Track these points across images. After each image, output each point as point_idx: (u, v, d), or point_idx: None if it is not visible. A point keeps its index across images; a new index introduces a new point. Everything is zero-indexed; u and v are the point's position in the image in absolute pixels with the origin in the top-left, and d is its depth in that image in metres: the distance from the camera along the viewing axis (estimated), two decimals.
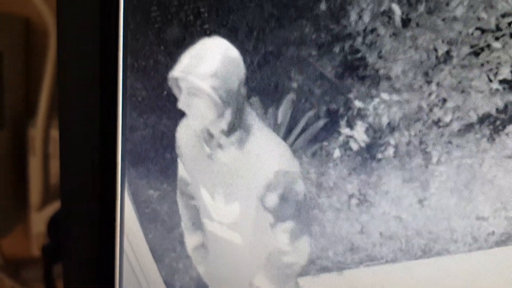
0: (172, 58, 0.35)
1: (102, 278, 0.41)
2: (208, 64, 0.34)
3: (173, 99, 0.36)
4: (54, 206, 0.65)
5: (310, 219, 0.37)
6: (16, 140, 0.65)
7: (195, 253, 0.40)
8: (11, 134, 0.64)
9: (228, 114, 0.35)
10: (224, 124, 0.35)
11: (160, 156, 0.38)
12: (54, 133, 0.64)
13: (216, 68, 0.34)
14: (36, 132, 0.64)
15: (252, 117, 0.35)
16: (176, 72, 0.35)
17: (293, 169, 0.36)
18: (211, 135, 0.36)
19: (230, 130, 0.35)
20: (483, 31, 0.32)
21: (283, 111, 0.36)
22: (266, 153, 0.36)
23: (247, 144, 0.36)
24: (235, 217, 0.37)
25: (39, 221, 0.66)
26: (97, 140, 0.38)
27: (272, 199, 0.37)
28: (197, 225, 0.40)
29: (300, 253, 0.38)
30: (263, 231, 0.38)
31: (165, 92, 0.37)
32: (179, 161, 0.38)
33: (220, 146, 0.36)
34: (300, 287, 0.39)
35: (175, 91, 0.35)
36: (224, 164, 0.37)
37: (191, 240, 0.40)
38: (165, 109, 0.37)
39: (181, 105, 0.35)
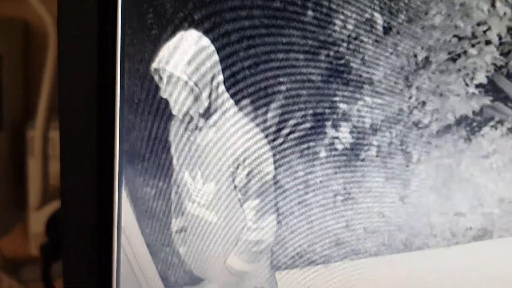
0: None
1: (101, 272, 0.43)
2: (182, 53, 0.36)
3: (167, 100, 0.38)
4: (53, 206, 0.66)
5: (274, 199, 0.39)
6: (15, 141, 0.66)
7: (177, 236, 0.42)
8: (10, 135, 0.65)
9: (205, 98, 0.37)
10: (201, 108, 0.37)
11: (156, 155, 0.40)
12: (53, 135, 0.64)
13: (189, 56, 0.36)
14: (35, 134, 0.64)
15: (229, 103, 0.37)
16: (156, 63, 0.37)
17: (260, 148, 0.37)
18: (191, 118, 0.38)
19: (207, 113, 0.37)
20: (460, 38, 0.34)
21: (273, 113, 0.37)
22: (237, 133, 0.38)
23: (221, 126, 0.38)
24: (211, 196, 0.39)
25: (37, 221, 0.67)
26: (95, 141, 0.39)
27: (240, 177, 0.39)
28: (180, 210, 0.41)
29: (266, 231, 0.40)
30: (235, 209, 0.40)
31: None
32: (172, 152, 0.40)
33: (198, 128, 0.38)
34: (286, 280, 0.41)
35: (158, 81, 0.37)
36: (201, 146, 0.39)
37: (174, 225, 0.42)
38: (161, 111, 0.39)
39: (163, 93, 0.37)
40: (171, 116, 0.39)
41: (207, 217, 0.41)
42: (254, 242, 0.40)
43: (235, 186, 0.39)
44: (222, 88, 0.37)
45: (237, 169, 0.39)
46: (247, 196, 0.39)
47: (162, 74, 0.37)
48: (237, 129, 0.38)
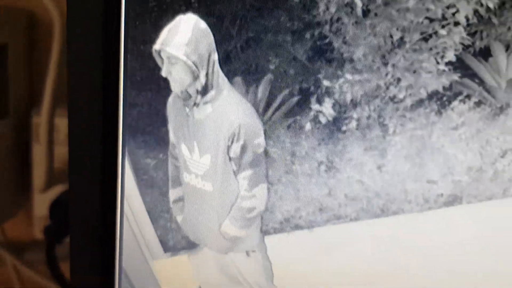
0: None
1: (105, 237, 0.46)
2: (181, 36, 0.39)
3: (166, 78, 0.41)
4: (56, 190, 0.68)
5: (265, 169, 0.42)
6: (20, 127, 0.67)
7: (174, 205, 0.45)
8: (15, 121, 0.67)
9: (202, 77, 0.40)
10: (199, 85, 0.40)
11: (156, 129, 0.43)
12: (58, 121, 0.66)
13: (188, 38, 0.39)
14: (40, 120, 0.66)
15: (224, 81, 0.40)
16: (157, 45, 0.40)
17: (253, 123, 0.41)
18: (189, 95, 0.41)
19: (204, 90, 0.41)
20: (431, 20, 0.37)
21: (262, 89, 0.41)
22: (232, 109, 0.41)
23: (217, 102, 0.41)
24: (207, 167, 0.43)
25: (41, 204, 0.69)
26: (101, 115, 0.43)
27: (235, 150, 0.42)
28: (178, 181, 0.45)
29: (258, 199, 0.43)
30: (229, 179, 0.43)
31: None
32: (169, 127, 0.43)
33: (196, 104, 0.41)
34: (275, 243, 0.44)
35: (159, 61, 0.40)
36: (198, 120, 0.42)
37: (172, 195, 0.45)
38: (161, 87, 0.42)
39: (164, 73, 0.41)
40: (169, 93, 0.42)
41: (203, 187, 0.44)
42: (247, 209, 0.44)
43: (229, 158, 0.43)
44: (217, 67, 0.40)
45: (232, 142, 0.42)
46: (241, 167, 0.43)
47: (163, 55, 0.41)
48: (232, 105, 0.41)
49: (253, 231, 0.44)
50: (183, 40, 0.39)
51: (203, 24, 0.39)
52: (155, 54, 0.40)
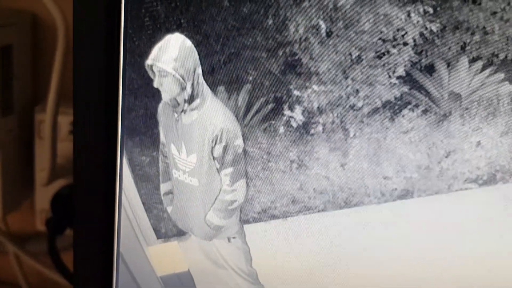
0: None
1: (104, 226, 0.53)
2: (170, 52, 0.45)
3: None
4: (58, 184, 0.70)
5: (244, 167, 0.47)
6: (24, 124, 0.69)
7: (165, 198, 0.51)
8: (19, 118, 0.68)
9: (189, 88, 0.46)
10: (186, 95, 0.46)
11: (150, 131, 0.49)
12: (60, 119, 0.67)
13: (176, 54, 0.45)
14: (45, 118, 0.67)
15: (207, 91, 0.46)
16: (149, 60, 0.46)
17: (233, 127, 0.46)
18: (177, 103, 0.47)
19: (191, 99, 0.46)
20: (384, 41, 0.43)
21: (242, 97, 0.46)
22: (215, 115, 0.47)
23: (202, 109, 0.47)
24: (193, 165, 0.48)
25: (43, 198, 0.70)
26: (102, 118, 0.49)
27: (218, 150, 0.47)
28: (167, 176, 0.50)
29: (238, 193, 0.49)
30: (213, 176, 0.48)
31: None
32: (160, 129, 0.49)
33: (183, 111, 0.47)
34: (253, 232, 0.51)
35: (151, 74, 0.46)
36: (186, 125, 0.47)
37: (162, 188, 0.51)
38: (154, 94, 0.47)
39: (155, 84, 0.46)
40: (161, 100, 0.49)
41: (190, 182, 0.50)
42: (229, 202, 0.50)
43: (213, 158, 0.49)
44: (201, 79, 0.46)
45: (215, 143, 0.47)
46: (223, 165, 0.48)
47: (154, 69, 0.46)
48: (215, 112, 0.47)
49: (234, 221, 0.50)
50: (172, 56, 0.45)
51: (188, 43, 0.45)
52: (147, 68, 0.46)
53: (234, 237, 0.51)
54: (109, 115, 0.48)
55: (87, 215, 0.51)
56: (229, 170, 0.48)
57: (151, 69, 0.46)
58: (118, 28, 0.46)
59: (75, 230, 0.52)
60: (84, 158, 0.49)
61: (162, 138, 0.49)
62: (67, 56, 0.64)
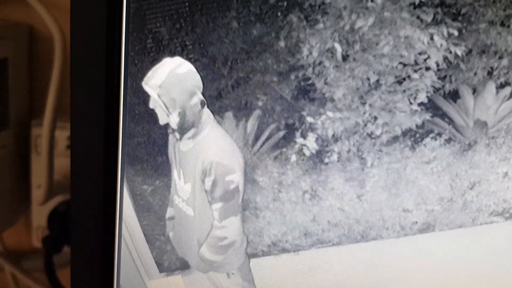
0: None
1: (104, 258, 0.51)
2: (157, 77, 0.44)
3: None
4: (55, 201, 0.69)
5: (239, 204, 0.47)
6: (20, 138, 0.69)
7: (168, 222, 0.50)
8: (15, 133, 0.68)
9: (175, 116, 0.45)
10: (173, 124, 0.45)
11: (153, 158, 0.48)
12: (58, 134, 0.67)
13: (161, 81, 0.44)
14: (42, 132, 0.66)
15: (208, 119, 0.45)
16: (143, 82, 0.45)
17: (226, 162, 0.46)
18: (173, 130, 0.46)
19: (181, 128, 0.46)
20: (404, 65, 0.42)
21: (251, 124, 0.45)
22: (209, 147, 0.46)
23: (198, 138, 0.46)
24: (189, 194, 0.47)
25: (40, 214, 0.70)
26: (102, 145, 0.47)
27: (207, 184, 0.46)
28: (171, 201, 0.49)
29: (229, 230, 0.48)
30: (205, 208, 0.47)
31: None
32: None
33: (180, 139, 0.46)
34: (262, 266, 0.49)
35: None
36: (183, 152, 0.47)
37: (168, 212, 0.50)
38: (156, 121, 0.47)
39: (150, 105, 0.46)
40: (165, 125, 0.47)
41: (186, 211, 0.49)
42: (219, 238, 0.48)
43: (205, 190, 0.47)
44: (198, 108, 0.45)
45: (205, 176, 0.47)
46: (213, 199, 0.47)
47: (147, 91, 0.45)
48: (209, 144, 0.46)
49: (232, 256, 0.49)
50: (157, 82, 0.45)
51: (183, 69, 0.44)
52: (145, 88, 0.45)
53: (233, 273, 0.49)
54: (109, 142, 0.46)
55: (84, 248, 0.49)
56: (218, 205, 0.47)
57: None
58: (119, 51, 0.44)
59: (72, 263, 0.51)
60: (82, 190, 0.47)
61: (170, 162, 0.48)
62: (64, 69, 0.65)
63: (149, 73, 0.45)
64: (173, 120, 0.45)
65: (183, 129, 0.46)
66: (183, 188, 0.48)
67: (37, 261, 0.75)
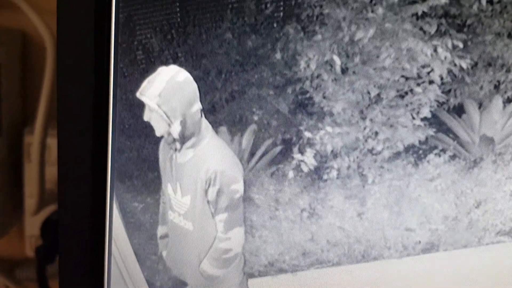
0: None
1: (93, 278, 0.50)
2: (155, 87, 0.43)
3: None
4: (48, 210, 0.69)
5: (243, 214, 0.45)
6: (12, 146, 0.68)
7: (161, 241, 0.49)
8: (7, 141, 0.68)
9: (176, 125, 0.44)
10: (175, 133, 0.44)
11: (144, 174, 0.47)
12: (50, 142, 0.67)
13: (161, 89, 0.43)
14: (33, 140, 0.67)
15: (207, 129, 0.44)
16: (138, 93, 0.44)
17: (230, 170, 0.44)
18: (173, 140, 0.45)
19: (182, 138, 0.44)
20: (407, 78, 0.41)
21: (247, 139, 0.44)
22: (210, 155, 0.45)
23: (198, 147, 0.45)
24: (187, 207, 0.46)
25: (33, 223, 0.70)
26: (90, 160, 0.46)
27: (211, 194, 0.45)
28: (165, 219, 0.48)
29: (234, 241, 0.46)
30: (207, 220, 0.46)
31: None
32: (160, 167, 0.46)
33: (176, 149, 0.45)
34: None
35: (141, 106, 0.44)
36: (181, 163, 0.45)
37: (160, 231, 0.48)
38: (147, 134, 0.45)
39: (145, 117, 0.44)
40: (156, 139, 0.45)
41: (184, 226, 0.47)
42: (223, 250, 0.47)
43: (208, 201, 0.46)
44: (198, 117, 0.44)
45: (209, 186, 0.45)
46: (217, 210, 0.46)
47: (143, 103, 0.44)
48: (211, 152, 0.45)
49: (233, 272, 0.48)
50: (156, 91, 0.43)
51: (181, 77, 0.43)
52: (138, 101, 0.44)
53: None
54: (98, 157, 0.45)
55: (73, 269, 0.48)
56: (223, 216, 0.46)
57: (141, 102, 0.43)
58: (108, 63, 0.42)
59: (60, 283, 0.49)
60: (69, 208, 0.46)
61: (162, 177, 0.46)
62: (56, 76, 0.63)
63: (144, 84, 0.43)
64: (175, 130, 0.44)
65: (184, 138, 0.45)
66: (180, 202, 0.47)
67: (30, 271, 0.74)
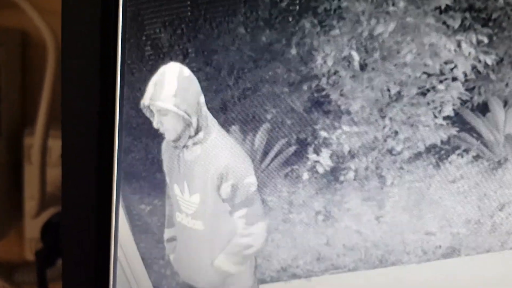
0: None
1: (98, 283, 0.48)
2: (168, 87, 0.41)
3: None
4: (48, 213, 0.69)
5: (262, 208, 0.44)
6: (12, 148, 0.68)
7: (168, 244, 0.47)
8: (7, 142, 0.67)
9: (194, 122, 0.42)
10: (192, 131, 0.43)
11: (152, 175, 0.45)
12: (51, 143, 0.67)
13: (175, 89, 0.41)
14: (34, 142, 0.66)
15: (212, 123, 0.42)
16: (146, 100, 0.42)
17: (241, 163, 0.43)
18: (179, 138, 0.43)
19: (196, 133, 0.43)
20: (429, 75, 0.39)
21: (259, 138, 0.42)
22: (219, 150, 0.43)
23: (206, 143, 0.43)
24: (196, 206, 0.45)
25: (33, 226, 0.70)
26: (95, 161, 0.44)
27: (226, 190, 0.44)
28: (172, 221, 0.47)
29: (256, 237, 0.45)
30: (221, 218, 0.45)
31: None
32: (164, 169, 0.45)
33: (185, 146, 0.43)
34: None
35: (148, 114, 0.42)
36: (188, 161, 0.44)
37: (167, 234, 0.47)
38: (156, 135, 0.44)
39: (155, 124, 0.43)
40: (164, 139, 0.44)
41: (193, 226, 0.46)
42: (245, 246, 0.45)
43: (222, 199, 0.44)
44: (204, 110, 0.42)
45: (221, 182, 0.44)
46: (235, 207, 0.45)
47: (152, 108, 0.42)
48: (220, 147, 0.43)
49: (246, 270, 0.46)
50: (170, 92, 0.42)
51: (186, 71, 0.41)
52: (143, 109, 0.42)
53: None
54: (103, 158, 0.43)
55: (77, 273, 0.46)
56: (243, 212, 0.45)
57: (148, 109, 0.41)
58: (114, 59, 0.41)
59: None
60: (73, 210, 0.44)
61: (167, 179, 0.45)
62: (58, 76, 0.64)
63: (151, 89, 0.42)
64: (193, 127, 0.43)
65: (195, 134, 0.43)
66: (189, 201, 0.45)
67: (29, 274, 0.74)
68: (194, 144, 0.44)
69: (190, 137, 0.43)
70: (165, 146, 0.44)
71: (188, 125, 0.42)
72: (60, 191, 0.71)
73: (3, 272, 0.74)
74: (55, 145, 0.67)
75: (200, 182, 0.44)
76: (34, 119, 0.65)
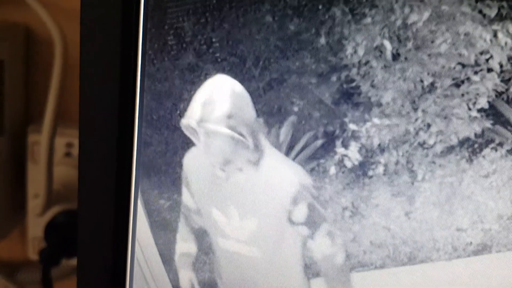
0: (186, 83, 0.41)
1: (114, 280, 0.46)
2: (220, 108, 0.39)
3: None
4: (52, 211, 0.69)
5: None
6: (15, 146, 0.68)
7: (181, 258, 0.45)
8: (10, 140, 0.68)
9: (251, 144, 0.40)
10: (247, 154, 0.40)
11: (172, 169, 0.44)
12: (56, 141, 0.66)
13: (229, 109, 0.39)
14: (37, 139, 0.67)
15: (263, 139, 0.40)
16: (192, 121, 0.39)
17: (309, 181, 0.40)
18: (228, 161, 0.40)
19: (251, 154, 0.40)
20: (463, 65, 0.38)
21: (285, 131, 0.41)
22: (283, 168, 0.40)
23: (261, 162, 0.40)
24: (252, 232, 0.42)
25: (36, 225, 0.70)
26: (114, 154, 0.43)
27: (301, 211, 0.41)
28: (191, 236, 0.44)
29: (340, 249, 0.42)
30: (293, 244, 0.42)
31: (178, 112, 0.42)
32: (184, 188, 0.42)
33: (239, 169, 0.41)
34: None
35: (188, 133, 0.40)
36: (236, 183, 0.41)
37: (180, 247, 0.45)
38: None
39: (201, 147, 0.40)
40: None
41: (248, 253, 0.43)
42: (340, 264, 0.42)
43: (293, 222, 0.41)
44: (258, 125, 0.40)
45: (296, 203, 0.41)
46: (313, 228, 0.41)
47: (198, 130, 0.40)
48: (281, 164, 0.41)
49: None
50: (224, 113, 0.39)
51: (238, 87, 0.39)
52: (186, 129, 0.40)
53: None
54: (123, 151, 0.42)
55: (92, 271, 0.44)
56: (324, 229, 0.41)
57: (192, 130, 0.40)
58: (135, 49, 0.39)
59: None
60: (91, 205, 0.43)
61: (188, 200, 0.43)
62: (64, 73, 0.64)
63: (198, 109, 0.39)
64: (250, 149, 0.39)
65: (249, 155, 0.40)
66: (241, 227, 0.42)
67: (32, 274, 0.74)
68: (249, 164, 0.41)
69: (245, 159, 0.41)
70: (192, 161, 0.42)
71: (245, 147, 0.40)
72: (64, 190, 0.70)
73: (6, 272, 0.74)
74: (60, 143, 0.67)
75: (258, 204, 0.41)
76: (39, 116, 0.65)
